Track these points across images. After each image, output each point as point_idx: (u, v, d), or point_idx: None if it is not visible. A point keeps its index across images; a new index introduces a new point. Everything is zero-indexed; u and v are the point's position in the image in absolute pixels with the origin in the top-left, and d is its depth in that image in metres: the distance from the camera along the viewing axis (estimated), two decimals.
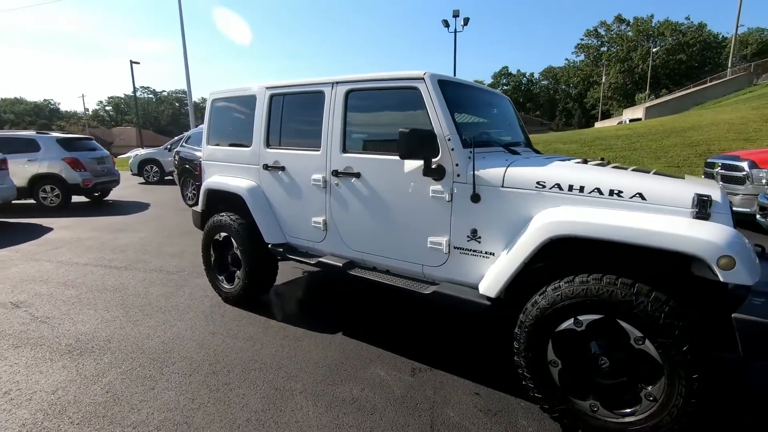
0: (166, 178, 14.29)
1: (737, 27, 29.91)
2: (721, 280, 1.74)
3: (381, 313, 3.63)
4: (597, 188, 2.15)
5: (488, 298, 2.37)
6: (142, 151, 15.23)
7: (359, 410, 2.31)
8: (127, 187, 12.81)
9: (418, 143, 2.44)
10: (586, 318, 1.99)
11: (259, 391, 2.49)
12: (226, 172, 3.86)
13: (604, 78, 52.66)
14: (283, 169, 3.37)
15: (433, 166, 2.53)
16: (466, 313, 3.52)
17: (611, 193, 2.12)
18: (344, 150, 3.00)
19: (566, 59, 65.26)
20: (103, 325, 3.40)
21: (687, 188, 2.04)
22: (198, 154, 8.97)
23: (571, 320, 2.03)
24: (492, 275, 2.34)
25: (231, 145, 3.86)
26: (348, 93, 2.99)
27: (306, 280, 4.53)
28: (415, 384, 2.57)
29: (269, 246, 3.49)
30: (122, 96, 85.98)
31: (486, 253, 2.48)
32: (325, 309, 3.74)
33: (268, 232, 3.47)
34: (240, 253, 3.62)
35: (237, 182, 3.66)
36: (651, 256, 2.03)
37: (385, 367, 2.75)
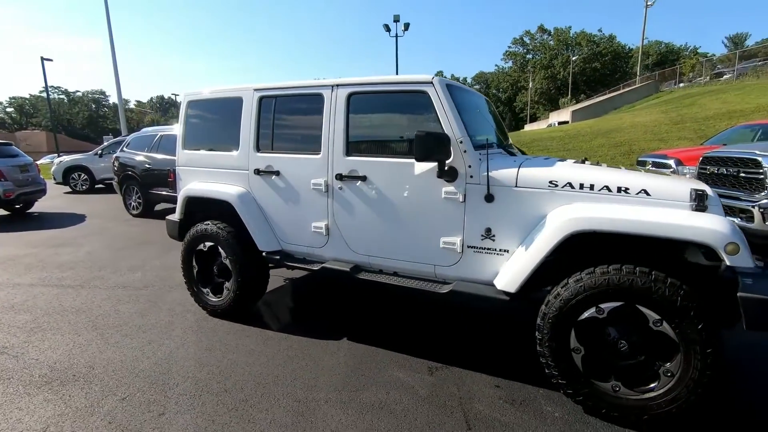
0: (97, 186, 13.08)
1: (642, 40, 33.54)
2: (728, 263, 1.97)
3: (379, 315, 3.63)
4: (606, 186, 2.34)
5: (507, 293, 2.47)
6: (66, 158, 13.79)
7: (391, 413, 2.31)
8: (52, 198, 11.53)
9: (434, 146, 2.49)
10: (607, 306, 2.15)
11: (282, 404, 2.39)
12: (208, 177, 3.65)
13: (530, 83, 56.35)
14: (277, 173, 3.26)
15: (446, 168, 2.60)
16: (469, 310, 3.64)
17: (619, 190, 2.31)
18: (348, 153, 2.98)
19: (496, 65, 69.06)
20: (78, 350, 3.06)
21: (683, 184, 2.28)
22: (140, 159, 8.36)
23: (593, 309, 2.18)
24: (511, 271, 2.45)
25: (212, 149, 3.66)
26: (350, 96, 2.97)
27: (289, 287, 4.40)
28: (437, 382, 2.61)
29: (263, 254, 3.36)
30: (27, 97, 76.99)
31: (500, 250, 2.58)
32: (319, 315, 3.67)
33: (261, 239, 3.33)
34: (230, 263, 3.43)
35: (223, 188, 3.47)
36: (650, 246, 2.25)
37: (402, 369, 2.77)
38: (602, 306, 2.16)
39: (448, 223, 2.69)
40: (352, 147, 2.99)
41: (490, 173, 2.55)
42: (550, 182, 2.44)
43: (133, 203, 8.63)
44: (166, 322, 3.53)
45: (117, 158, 8.91)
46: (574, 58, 50.00)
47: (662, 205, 2.23)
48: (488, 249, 2.62)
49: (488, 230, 2.60)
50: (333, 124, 3.01)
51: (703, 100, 19.42)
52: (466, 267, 2.70)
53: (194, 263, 3.67)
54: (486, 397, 2.45)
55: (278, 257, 3.31)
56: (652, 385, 2.13)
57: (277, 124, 3.31)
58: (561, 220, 2.26)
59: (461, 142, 2.60)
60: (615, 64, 53.76)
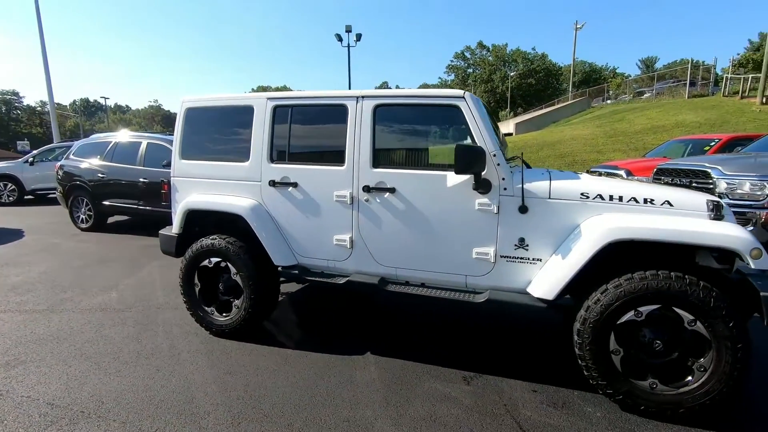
0: (26, 197, 11.76)
1: (573, 59, 36.48)
2: (753, 267, 2.21)
3: (393, 327, 3.60)
4: (633, 197, 2.53)
5: (544, 301, 2.58)
6: None
7: (445, 426, 2.31)
8: None
9: (473, 159, 2.56)
10: (645, 309, 2.32)
11: (332, 426, 2.30)
12: (211, 189, 3.45)
13: None
14: (294, 185, 3.16)
15: (481, 180, 2.68)
16: (485, 318, 3.71)
17: (645, 201, 2.51)
18: (374, 165, 2.96)
19: (439, 78, 71.23)
20: (75, 382, 2.74)
21: (699, 195, 2.53)
22: (90, 167, 7.70)
23: (632, 312, 2.34)
24: (549, 279, 2.56)
25: (216, 159, 3.46)
26: (376, 107, 2.96)
27: (287, 302, 4.24)
28: (477, 391, 2.65)
29: (279, 269, 3.22)
30: None
31: (533, 259, 2.69)
32: (331, 329, 3.57)
33: (277, 253, 3.19)
34: (240, 280, 3.25)
35: (233, 200, 3.30)
36: (666, 252, 2.47)
37: (438, 380, 2.77)
38: (640, 309, 2.33)
39: (481, 233, 2.76)
40: (379, 159, 2.98)
41: (520, 185, 2.66)
42: (582, 194, 2.60)
43: (82, 216, 7.86)
44: (168, 345, 3.26)
45: (62, 167, 8.09)
46: (511, 74, 53.08)
47: (684, 215, 2.45)
48: (521, 258, 2.72)
49: (522, 240, 2.70)
50: (359, 135, 2.98)
51: (630, 116, 21.44)
52: (498, 276, 2.77)
53: (196, 281, 3.43)
54: (529, 403, 2.53)
55: (296, 272, 3.19)
56: (687, 379, 2.32)
57: (293, 134, 3.22)
58: (601, 230, 2.41)
59: (494, 155, 2.69)
60: (548, 81, 57.76)
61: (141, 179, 7.10)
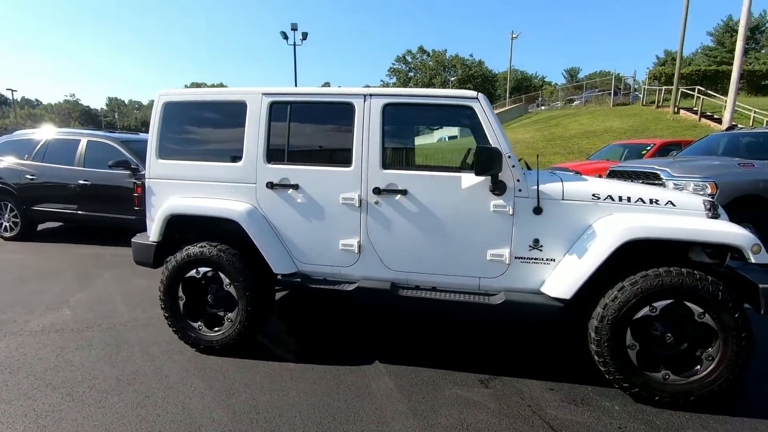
0: None
1: (510, 67, 38.53)
2: (753, 261, 2.40)
3: (392, 332, 3.51)
4: (640, 198, 2.66)
5: (560, 300, 2.62)
6: None
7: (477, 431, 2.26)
8: None
9: (493, 160, 2.56)
10: (659, 304, 2.44)
11: None
12: (196, 192, 3.13)
13: None
14: (295, 187, 2.96)
15: (498, 182, 2.68)
16: (482, 321, 3.72)
17: (651, 201, 2.65)
18: (384, 166, 2.85)
19: (381, 80, 71.86)
20: (49, 420, 2.34)
21: (696, 196, 2.71)
22: (8, 166, 6.83)
23: (647, 308, 2.45)
24: (566, 279, 2.61)
25: (202, 159, 3.16)
26: (385, 106, 2.85)
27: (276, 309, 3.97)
28: (498, 394, 2.64)
29: (279, 278, 3.00)
30: None
31: (547, 260, 2.73)
32: (329, 338, 3.40)
33: (277, 261, 2.97)
34: (235, 291, 2.99)
35: (225, 204, 3.02)
36: (664, 249, 2.63)
37: (456, 385, 2.72)
38: (655, 305, 2.44)
39: (496, 235, 2.76)
40: (389, 160, 2.87)
41: (535, 187, 2.70)
42: (593, 195, 2.68)
43: (5, 224, 6.88)
44: (151, 368, 2.91)
45: None
46: (452, 79, 54.87)
47: (686, 214, 2.62)
48: (535, 259, 2.75)
49: (536, 241, 2.73)
50: (367, 135, 2.86)
51: (564, 122, 23.02)
52: (512, 277, 2.79)
53: (181, 293, 3.10)
54: (551, 401, 2.56)
55: (298, 280, 2.99)
56: (696, 368, 2.47)
57: (293, 133, 3.02)
58: (619, 229, 2.49)
59: (509, 157, 2.70)
60: (484, 87, 60.39)
61: (80, 181, 6.39)
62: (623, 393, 2.60)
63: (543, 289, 2.72)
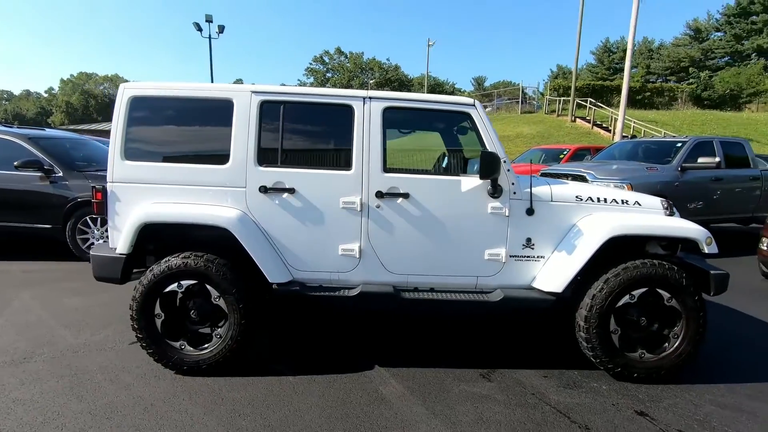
0: None
1: (428, 73, 40.26)
2: (706, 251, 2.83)
3: (378, 335, 3.50)
4: (614, 199, 2.99)
5: (553, 294, 2.85)
6: None
7: (500, 424, 2.37)
8: None
9: (496, 165, 2.70)
10: (637, 292, 2.77)
11: None
12: (172, 197, 2.84)
13: None
14: (291, 191, 2.82)
15: (497, 185, 2.83)
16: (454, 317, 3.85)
17: (623, 202, 3.00)
18: (385, 170, 2.85)
19: (298, 80, 70.32)
20: None
21: (655, 198, 3.12)
22: None
23: (627, 296, 2.77)
24: (555, 274, 2.84)
25: (179, 161, 2.86)
26: (385, 110, 2.85)
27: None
28: (502, 386, 2.78)
29: (273, 287, 2.83)
30: None
31: (538, 257, 2.95)
32: (320, 347, 3.28)
33: (273, 270, 2.81)
34: (226, 304, 2.76)
35: (212, 211, 2.77)
36: (628, 242, 3.00)
37: (462, 382, 2.81)
38: (634, 293, 2.77)
39: (493, 235, 2.91)
40: (389, 163, 2.88)
41: (528, 189, 2.90)
42: (577, 197, 2.96)
43: None
44: (129, 396, 2.56)
45: None
46: (371, 82, 55.65)
47: (650, 212, 3.01)
48: (528, 257, 2.95)
49: (528, 240, 2.93)
50: (367, 138, 2.83)
51: None
52: (506, 275, 2.96)
53: (158, 311, 2.78)
54: (549, 388, 2.77)
55: (296, 288, 2.85)
56: (665, 346, 2.84)
57: (286, 134, 2.87)
58: (604, 227, 2.77)
59: (505, 161, 2.87)
60: (400, 91, 62.32)
61: None
62: (605, 374, 2.91)
63: (535, 285, 2.93)
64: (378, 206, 2.85)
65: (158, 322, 2.78)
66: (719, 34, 42.17)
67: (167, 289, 2.75)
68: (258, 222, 2.84)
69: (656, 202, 3.06)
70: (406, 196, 2.85)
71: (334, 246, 2.87)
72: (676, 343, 2.82)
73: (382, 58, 63.63)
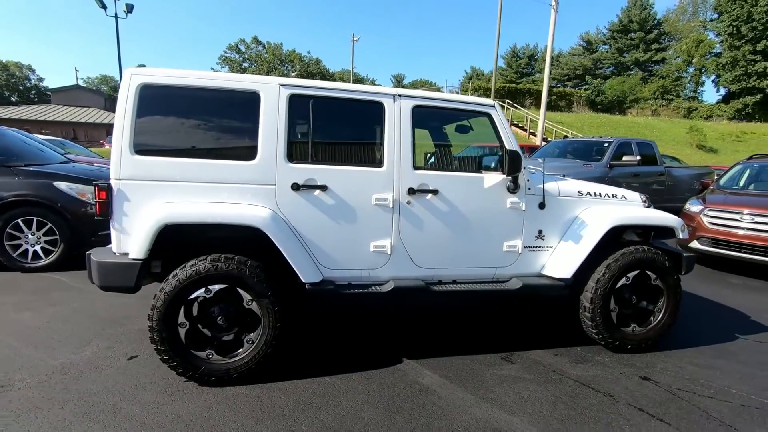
0: None
1: (353, 68, 40.21)
2: (680, 237, 3.33)
3: (389, 329, 3.56)
4: (606, 194, 3.38)
5: (562, 280, 3.16)
6: None
7: (540, 400, 2.59)
8: None
9: (520, 162, 2.92)
10: (632, 274, 3.18)
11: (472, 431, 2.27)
12: (190, 195, 2.62)
13: None
14: (323, 188, 2.76)
15: (516, 181, 3.05)
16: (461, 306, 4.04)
17: (612, 196, 3.40)
18: (415, 167, 2.91)
19: (212, 68, 65.88)
20: None
21: (635, 192, 3.58)
22: None
23: (624, 279, 3.17)
24: (566, 262, 3.14)
25: (199, 156, 2.64)
26: (414, 108, 2.91)
27: None
28: (525, 367, 3.01)
29: (307, 287, 2.75)
30: None
31: (547, 247, 3.24)
32: (337, 345, 3.25)
33: (306, 270, 2.73)
34: (259, 307, 2.62)
35: (243, 210, 2.61)
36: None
37: (489, 366, 3.00)
38: (629, 275, 3.18)
39: (511, 228, 3.13)
40: (418, 160, 2.94)
41: (541, 185, 3.17)
42: (578, 191, 3.29)
43: None
44: (164, 416, 2.33)
45: None
46: (292, 74, 54.11)
47: (634, 205, 3.45)
48: (539, 247, 3.22)
49: (540, 232, 3.20)
50: (398, 135, 2.87)
51: None
52: (521, 265, 3.20)
53: (182, 319, 2.55)
54: (565, 364, 3.06)
55: (330, 287, 2.80)
56: (651, 319, 3.30)
57: (315, 129, 2.80)
58: (605, 218, 3.13)
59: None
60: None
61: None
62: (601, 348, 3.29)
63: (545, 272, 3.22)
64: (409, 203, 2.90)
65: (182, 332, 2.55)
66: (606, 47, 48.06)
67: (192, 296, 2.54)
68: (288, 220, 2.74)
69: (637, 196, 3.53)
70: (435, 192, 2.94)
71: (366, 243, 2.87)
72: (659, 317, 3.29)
73: (302, 51, 62.16)
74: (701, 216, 5.74)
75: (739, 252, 5.45)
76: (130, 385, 2.62)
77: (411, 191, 2.88)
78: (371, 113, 2.86)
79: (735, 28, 35.99)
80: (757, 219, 5.26)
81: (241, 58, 61.87)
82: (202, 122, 2.73)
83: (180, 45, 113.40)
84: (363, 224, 2.86)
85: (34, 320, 3.54)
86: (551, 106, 31.38)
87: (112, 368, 2.81)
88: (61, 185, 4.88)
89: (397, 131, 2.87)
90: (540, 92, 32.44)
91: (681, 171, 9.74)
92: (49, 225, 4.82)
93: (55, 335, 3.27)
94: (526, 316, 4.01)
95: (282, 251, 2.63)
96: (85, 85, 50.10)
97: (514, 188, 3.04)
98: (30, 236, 4.80)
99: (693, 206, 6.05)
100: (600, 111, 35.19)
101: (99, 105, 35.93)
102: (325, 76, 61.60)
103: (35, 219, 4.79)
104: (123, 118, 2.53)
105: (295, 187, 2.71)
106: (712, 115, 37.23)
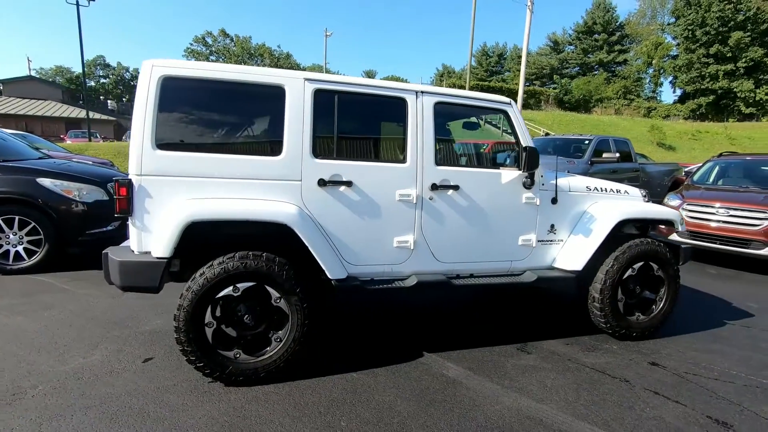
0: None
1: (325, 64, 39.83)
2: (679, 230, 3.53)
3: (397, 326, 3.59)
4: (612, 189, 3.53)
5: (574, 272, 3.28)
6: None
7: (564, 388, 2.69)
8: None
9: (537, 159, 3.01)
10: (637, 266, 3.34)
11: (513, 421, 2.33)
12: (213, 191, 2.55)
13: None
14: (348, 184, 2.75)
15: (533, 177, 3.14)
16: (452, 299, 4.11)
17: (617, 191, 3.55)
18: (437, 163, 2.95)
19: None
20: None
21: (635, 187, 3.76)
22: None
23: (630, 270, 3.32)
24: (577, 254, 3.26)
25: (223, 151, 2.57)
26: (436, 105, 2.94)
27: None
28: (542, 356, 3.12)
29: (333, 283, 2.74)
30: None
31: (558, 240, 3.35)
32: (350, 342, 3.26)
33: (333, 266, 2.71)
34: (287, 305, 2.59)
35: (271, 206, 2.56)
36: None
37: (508, 357, 3.08)
38: (635, 266, 3.33)
39: (526, 223, 3.22)
40: (440, 156, 2.98)
41: (554, 181, 3.27)
42: (587, 187, 3.42)
43: None
44: (198, 419, 2.27)
45: None
46: None
47: (634, 199, 3.62)
48: (551, 241, 3.33)
49: (552, 226, 3.31)
50: (421, 132, 2.89)
51: None
52: (534, 258, 3.30)
53: (209, 318, 2.49)
54: (578, 353, 3.19)
55: (357, 283, 2.80)
56: (653, 308, 3.48)
57: (340, 124, 2.78)
58: (614, 213, 3.27)
59: None
60: None
61: None
62: (607, 337, 3.45)
63: (556, 265, 3.33)
64: (431, 198, 2.93)
65: (209, 331, 2.49)
66: (572, 47, 49.68)
67: (220, 294, 2.48)
68: (314, 216, 2.71)
69: (638, 191, 3.70)
70: (456, 188, 2.98)
71: (390, 238, 2.89)
72: (661, 305, 3.48)
73: (272, 45, 60.92)
74: (680, 210, 6.07)
75: (714, 243, 5.81)
76: (152, 388, 2.53)
77: (434, 187, 2.91)
78: (394, 109, 2.87)
79: (690, 32, 38.07)
80: (732, 212, 5.62)
81: (208, 51, 59.98)
82: (226, 116, 2.66)
83: (151, 33, 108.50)
84: (387, 220, 2.86)
85: (30, 324, 3.35)
86: (522, 105, 32.22)
87: (129, 371, 2.71)
88: (45, 182, 4.62)
89: (420, 127, 2.89)
90: (510, 90, 33.25)
91: (653, 168, 10.25)
92: (33, 224, 4.55)
93: (58, 339, 3.11)
94: (532, 307, 4.14)
95: (309, 247, 2.61)
96: (38, 76, 47.26)
97: (530, 184, 3.13)
98: (11, 236, 4.52)
99: (672, 201, 6.39)
100: (567, 109, 36.37)
101: (55, 97, 34.03)
102: (296, 70, 60.67)
103: (17, 218, 4.51)
104: (144, 111, 2.43)
105: (321, 182, 2.69)
106: (669, 114, 39.30)
